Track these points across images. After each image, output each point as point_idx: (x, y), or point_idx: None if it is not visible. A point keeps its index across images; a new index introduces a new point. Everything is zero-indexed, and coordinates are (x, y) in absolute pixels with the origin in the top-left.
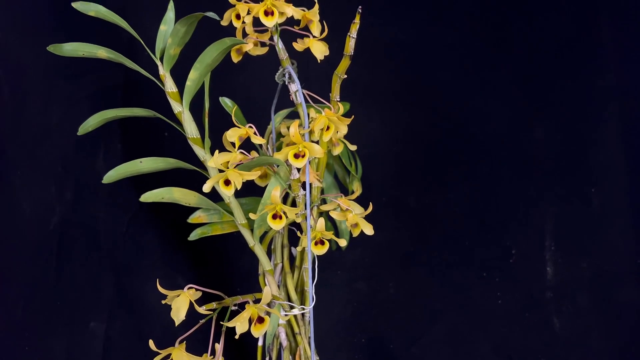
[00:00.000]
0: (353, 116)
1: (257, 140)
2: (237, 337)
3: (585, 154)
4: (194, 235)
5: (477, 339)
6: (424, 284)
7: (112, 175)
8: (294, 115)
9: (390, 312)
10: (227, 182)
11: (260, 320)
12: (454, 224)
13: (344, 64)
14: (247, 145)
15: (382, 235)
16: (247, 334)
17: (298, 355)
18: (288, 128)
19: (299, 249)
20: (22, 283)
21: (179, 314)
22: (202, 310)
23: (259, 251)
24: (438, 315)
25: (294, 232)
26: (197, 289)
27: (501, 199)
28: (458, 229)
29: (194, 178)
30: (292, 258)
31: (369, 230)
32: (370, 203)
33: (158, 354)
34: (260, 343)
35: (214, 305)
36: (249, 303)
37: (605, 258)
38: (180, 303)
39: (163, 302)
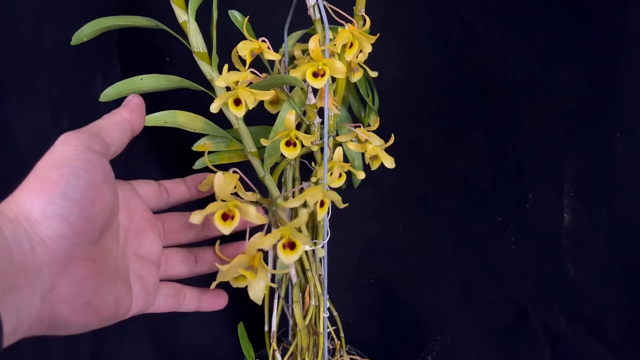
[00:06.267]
0: (379, 34)
1: (270, 55)
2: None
3: (610, 99)
4: (198, 164)
5: (488, 285)
6: (435, 228)
7: (110, 94)
8: (308, 38)
9: (400, 254)
10: (237, 102)
11: (292, 246)
12: (468, 167)
13: None
14: (256, 66)
15: (394, 177)
16: None
17: (307, 292)
18: (303, 51)
19: (312, 180)
20: None
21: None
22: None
23: (270, 182)
24: (449, 260)
25: (305, 166)
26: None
27: (520, 142)
28: (473, 172)
29: (197, 104)
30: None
31: (389, 162)
32: (392, 135)
33: None
34: None
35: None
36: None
37: (625, 207)
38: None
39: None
